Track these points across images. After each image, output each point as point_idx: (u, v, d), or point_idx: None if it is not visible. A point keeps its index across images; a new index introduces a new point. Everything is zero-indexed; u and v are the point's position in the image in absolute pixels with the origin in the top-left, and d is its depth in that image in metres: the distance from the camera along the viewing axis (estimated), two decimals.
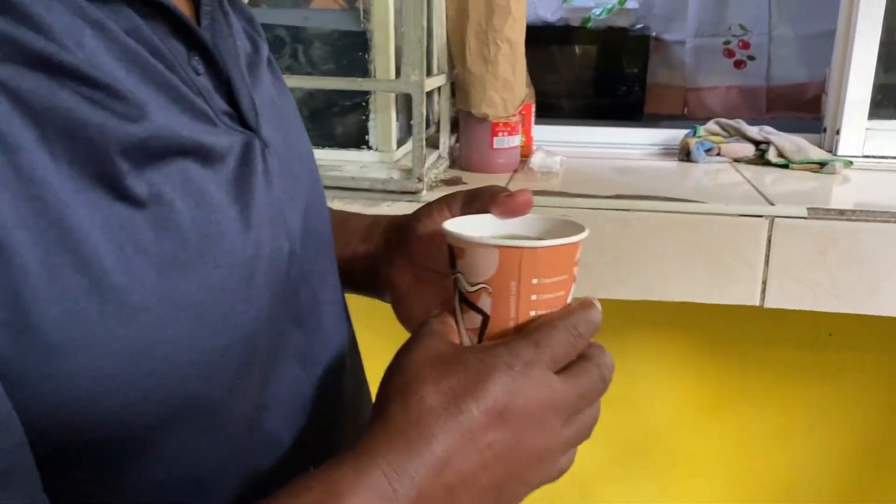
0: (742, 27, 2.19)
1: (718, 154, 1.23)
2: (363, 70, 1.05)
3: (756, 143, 1.23)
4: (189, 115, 0.36)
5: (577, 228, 0.43)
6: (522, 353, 0.37)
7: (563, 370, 0.39)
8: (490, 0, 1.05)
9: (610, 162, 1.26)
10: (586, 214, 0.98)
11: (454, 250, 0.43)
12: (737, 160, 1.23)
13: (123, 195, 0.31)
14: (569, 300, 0.43)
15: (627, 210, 0.98)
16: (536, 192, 1.02)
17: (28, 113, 0.28)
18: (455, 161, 1.21)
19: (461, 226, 0.44)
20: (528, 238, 0.46)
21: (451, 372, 0.37)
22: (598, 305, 0.42)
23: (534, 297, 0.41)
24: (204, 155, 0.36)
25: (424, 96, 0.99)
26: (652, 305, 1.03)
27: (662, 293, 0.99)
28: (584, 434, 0.41)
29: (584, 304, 0.41)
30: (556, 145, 1.31)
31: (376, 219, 0.58)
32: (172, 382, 0.33)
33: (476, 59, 1.08)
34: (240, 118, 0.41)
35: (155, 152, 0.33)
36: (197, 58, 0.39)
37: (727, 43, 2.22)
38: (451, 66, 1.15)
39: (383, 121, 1.07)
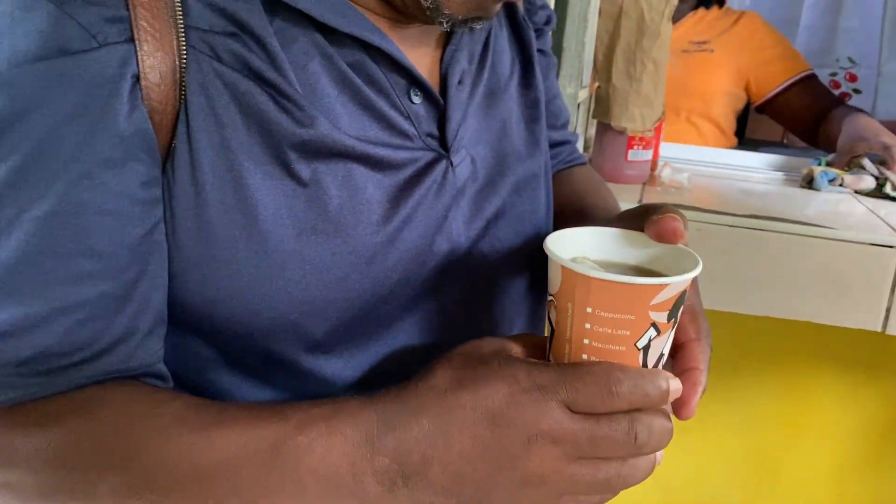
0: (851, 59, 2.21)
1: (840, 184, 1.27)
2: None
3: (877, 175, 1.27)
4: (386, 132, 0.47)
5: (686, 268, 0.40)
6: (540, 377, 0.38)
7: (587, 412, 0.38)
8: (641, 22, 1.12)
9: (732, 182, 1.31)
10: (720, 230, 1.04)
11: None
12: (857, 191, 1.27)
13: (291, 174, 0.44)
14: (640, 344, 0.40)
15: (760, 230, 1.03)
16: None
17: (239, 105, 0.42)
18: None
19: (565, 235, 0.44)
20: (648, 271, 0.44)
21: (470, 366, 0.40)
22: (671, 384, 0.39)
23: (587, 325, 0.39)
24: (373, 162, 0.46)
25: (577, 108, 1.06)
26: (768, 322, 1.08)
27: (786, 311, 1.04)
28: (607, 486, 0.39)
29: (649, 373, 0.39)
30: (676, 162, 1.37)
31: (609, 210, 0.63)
32: (282, 310, 0.44)
33: (622, 76, 1.15)
34: (442, 140, 0.50)
35: (318, 151, 0.44)
36: (416, 89, 0.49)
37: (834, 74, 2.24)
38: (594, 80, 1.23)
39: None
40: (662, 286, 0.38)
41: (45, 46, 0.38)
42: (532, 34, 0.60)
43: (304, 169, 0.44)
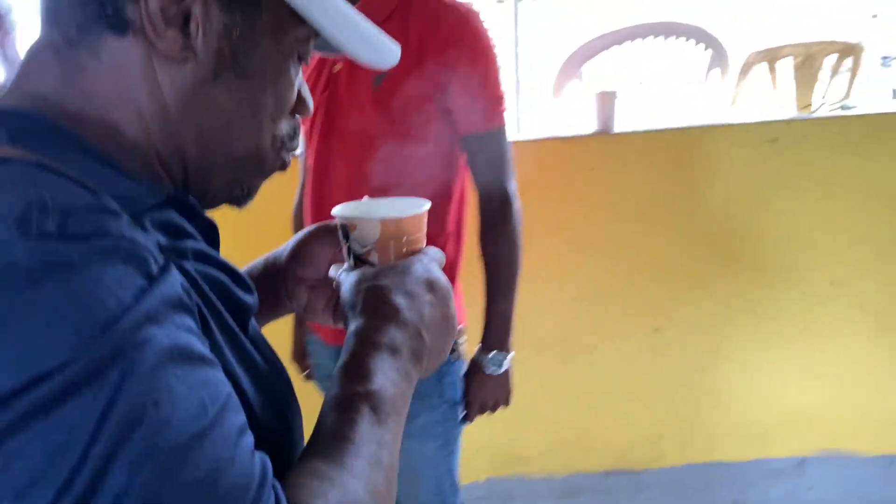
0: None
1: None
2: None
3: None
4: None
5: (423, 203, 0.67)
6: (431, 252, 0.66)
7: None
8: None
9: None
10: None
11: (346, 228, 0.65)
12: None
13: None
14: (422, 246, 0.67)
15: None
16: None
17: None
18: None
19: (343, 211, 0.66)
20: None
21: (386, 276, 0.62)
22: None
23: (404, 249, 0.65)
24: None
25: None
26: None
27: None
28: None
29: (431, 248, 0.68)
30: None
31: (264, 262, 0.79)
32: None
33: None
34: None
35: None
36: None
37: None
38: None
39: None
40: (426, 211, 0.67)
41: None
42: None
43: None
